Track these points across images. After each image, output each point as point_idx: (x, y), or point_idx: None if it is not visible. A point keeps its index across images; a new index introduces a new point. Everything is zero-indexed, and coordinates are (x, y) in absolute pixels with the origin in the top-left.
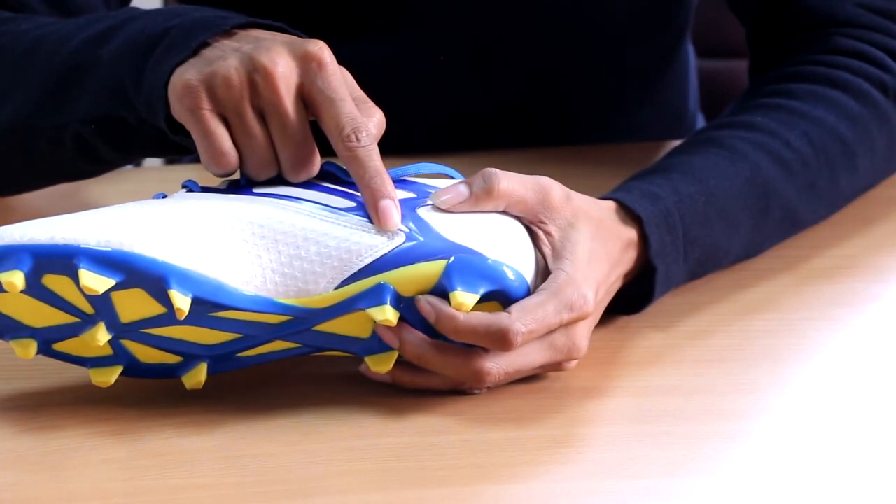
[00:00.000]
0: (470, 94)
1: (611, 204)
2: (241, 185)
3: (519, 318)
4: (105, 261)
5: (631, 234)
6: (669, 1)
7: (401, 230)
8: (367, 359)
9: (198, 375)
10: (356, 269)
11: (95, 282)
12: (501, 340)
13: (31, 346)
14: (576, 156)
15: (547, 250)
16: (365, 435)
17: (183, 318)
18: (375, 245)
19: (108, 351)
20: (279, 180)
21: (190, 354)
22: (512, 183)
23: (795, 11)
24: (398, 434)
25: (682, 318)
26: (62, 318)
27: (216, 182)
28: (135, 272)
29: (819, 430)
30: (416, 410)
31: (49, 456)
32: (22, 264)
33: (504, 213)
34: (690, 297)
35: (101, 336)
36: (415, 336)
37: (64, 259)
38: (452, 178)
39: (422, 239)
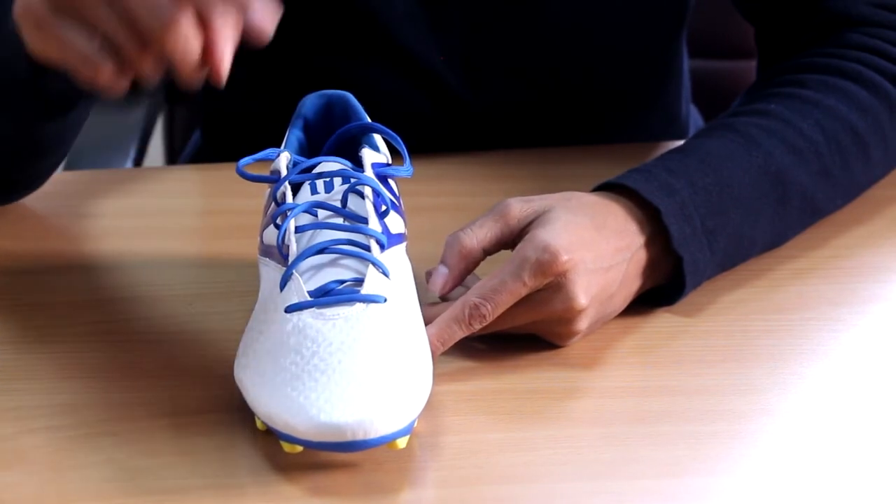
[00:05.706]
0: (467, 95)
1: (598, 193)
2: None
3: (473, 292)
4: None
5: (618, 209)
6: (667, 3)
7: None
8: None
9: None
10: None
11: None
12: (471, 317)
13: (298, 447)
14: (572, 156)
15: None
16: None
17: None
18: None
19: None
20: None
21: None
22: (474, 236)
23: (808, 11)
24: None
25: (682, 318)
26: None
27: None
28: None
29: (819, 430)
30: None
31: (49, 456)
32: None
33: None
34: (691, 298)
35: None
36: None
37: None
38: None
39: None
